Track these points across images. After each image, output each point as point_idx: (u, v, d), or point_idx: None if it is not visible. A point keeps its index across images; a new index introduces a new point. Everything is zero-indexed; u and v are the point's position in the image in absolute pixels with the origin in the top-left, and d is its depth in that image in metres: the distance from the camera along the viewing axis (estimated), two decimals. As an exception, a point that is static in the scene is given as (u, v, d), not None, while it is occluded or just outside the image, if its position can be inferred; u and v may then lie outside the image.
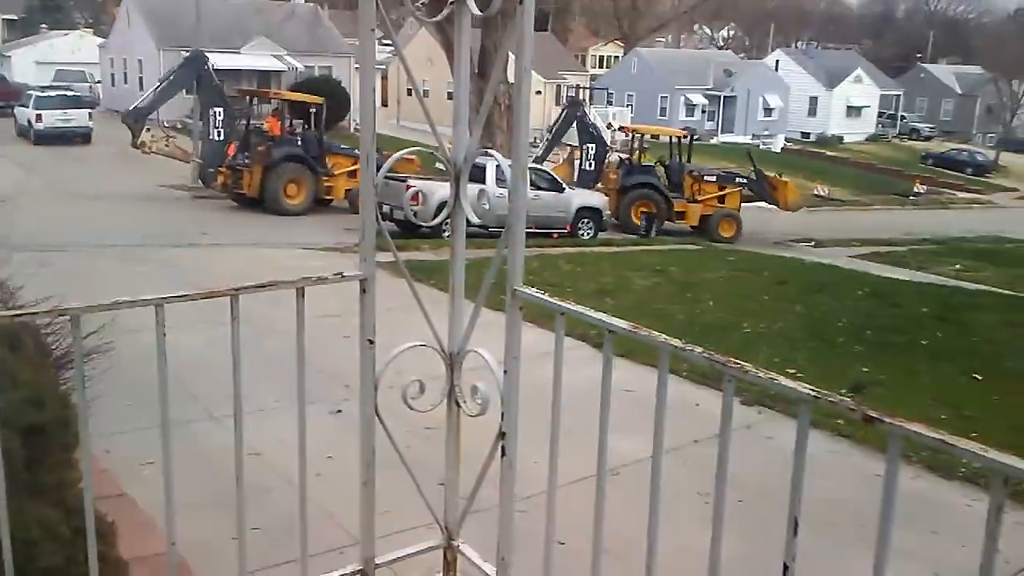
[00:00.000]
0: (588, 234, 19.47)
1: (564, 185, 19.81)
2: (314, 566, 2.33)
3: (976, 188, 46.35)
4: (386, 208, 16.14)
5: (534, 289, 2.22)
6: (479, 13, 2.13)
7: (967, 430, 5.73)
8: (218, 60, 31.61)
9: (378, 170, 2.25)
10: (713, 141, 48.03)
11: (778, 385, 1.70)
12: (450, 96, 2.43)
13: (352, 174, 19.75)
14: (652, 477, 1.94)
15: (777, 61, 60.36)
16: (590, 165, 23.92)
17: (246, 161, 19.94)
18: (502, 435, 2.24)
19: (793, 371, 7.27)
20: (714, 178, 23.33)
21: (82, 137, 31.03)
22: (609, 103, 50.55)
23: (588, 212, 19.70)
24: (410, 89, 43.13)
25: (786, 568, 1.64)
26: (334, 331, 5.95)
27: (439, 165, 19.02)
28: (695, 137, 25.08)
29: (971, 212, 38.06)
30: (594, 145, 24.15)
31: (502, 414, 2.23)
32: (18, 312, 2.38)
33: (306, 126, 21.24)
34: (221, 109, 21.11)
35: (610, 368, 2.04)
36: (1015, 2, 76.04)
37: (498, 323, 2.21)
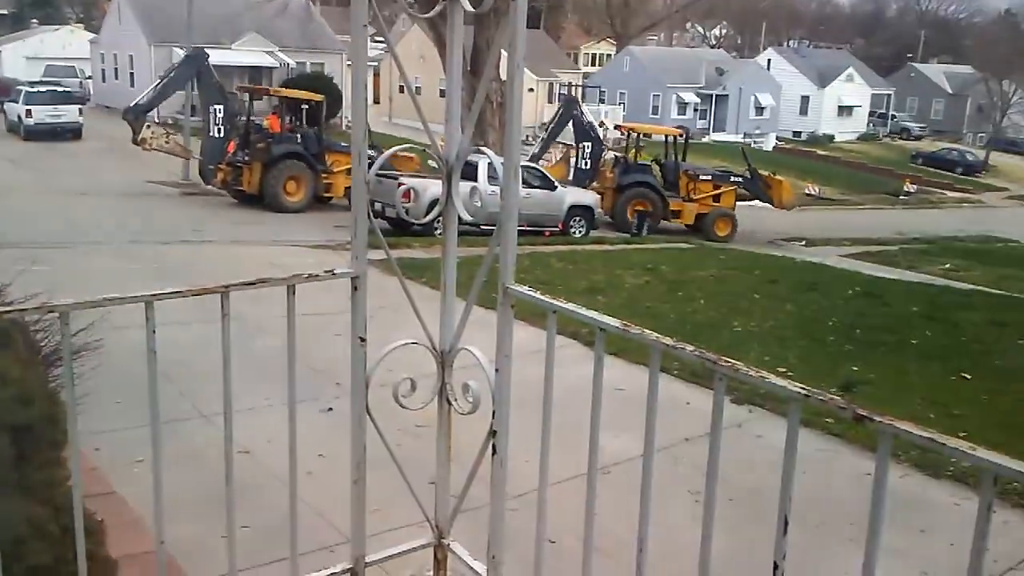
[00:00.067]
0: (580, 232, 19.48)
1: (556, 183, 19.82)
2: (304, 565, 2.33)
3: (966, 187, 46.58)
4: (378, 206, 16.17)
5: (526, 287, 2.22)
6: (472, 10, 2.13)
7: (956, 429, 5.77)
8: (209, 56, 31.51)
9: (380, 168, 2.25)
10: (705, 140, 48.11)
11: (769, 384, 1.70)
12: (442, 93, 2.42)
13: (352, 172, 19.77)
14: (643, 475, 1.94)
15: (769, 60, 60.50)
16: (586, 164, 23.91)
17: (246, 158, 19.98)
18: (493, 433, 2.24)
19: (784, 370, 7.29)
20: (709, 177, 23.37)
21: (72, 133, 30.89)
22: (601, 101, 50.56)
23: (580, 210, 19.72)
24: (402, 86, 43.09)
25: (776, 566, 1.65)
26: (325, 329, 5.94)
27: (431, 163, 18.84)
28: (688, 136, 25.12)
29: (961, 211, 38.25)
30: (590, 144, 24.13)
31: (493, 412, 2.23)
32: (7, 309, 2.37)
33: (297, 122, 21.20)
34: (221, 106, 21.09)
35: (601, 366, 2.04)
36: (1006, 2, 76.45)
37: (489, 321, 2.20)
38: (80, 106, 32.33)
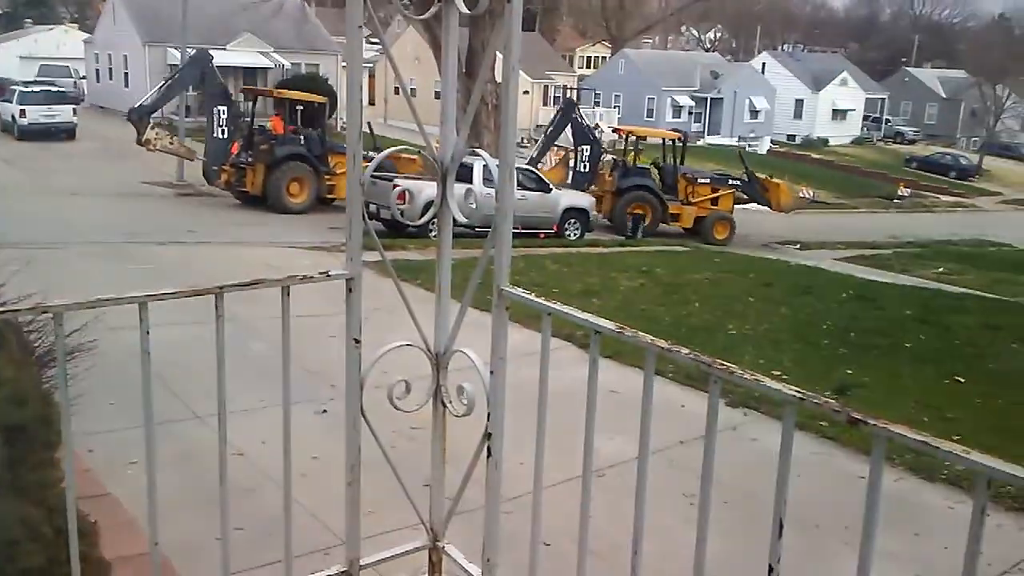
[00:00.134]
0: (575, 235, 19.49)
1: (551, 185, 19.83)
2: (299, 567, 2.32)
3: (960, 192, 46.74)
4: (373, 207, 16.15)
5: (521, 289, 2.22)
6: (467, 12, 2.13)
7: (950, 432, 5.78)
8: (213, 57, 31.50)
9: (379, 170, 2.25)
10: (699, 143, 48.20)
11: (763, 387, 1.71)
12: (437, 95, 2.43)
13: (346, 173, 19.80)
14: (638, 478, 1.94)
15: (763, 63, 60.66)
16: (585, 167, 23.91)
17: (249, 159, 20.06)
18: (488, 435, 2.24)
19: (778, 373, 7.30)
20: (707, 180, 23.39)
21: (66, 133, 30.81)
22: (596, 104, 50.65)
23: (575, 213, 19.73)
24: (397, 88, 43.07)
25: (771, 569, 1.65)
26: (320, 330, 5.93)
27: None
28: (686, 140, 25.16)
29: (954, 215, 38.38)
30: (589, 147, 24.13)
31: (488, 414, 2.23)
32: (0, 309, 2.36)
33: (293, 124, 21.22)
34: (225, 108, 21.14)
35: (596, 369, 2.04)
36: (1000, 6, 76.80)
37: (484, 323, 2.20)
38: (74, 106, 32.25)
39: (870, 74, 65.57)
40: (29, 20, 55.09)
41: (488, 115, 19.24)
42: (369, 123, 22.68)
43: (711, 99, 54.77)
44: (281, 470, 2.28)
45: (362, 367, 2.29)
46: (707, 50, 76.90)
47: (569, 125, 24.72)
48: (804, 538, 4.46)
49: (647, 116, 51.60)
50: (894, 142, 61.89)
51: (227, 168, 20.42)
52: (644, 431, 1.93)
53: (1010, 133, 57.70)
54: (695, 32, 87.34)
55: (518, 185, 18.52)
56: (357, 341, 2.28)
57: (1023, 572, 4.50)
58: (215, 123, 20.98)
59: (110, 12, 41.80)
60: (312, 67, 40.22)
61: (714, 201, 23.07)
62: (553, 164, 25.17)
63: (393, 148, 2.61)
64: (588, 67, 69.55)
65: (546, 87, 50.20)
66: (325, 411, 5.81)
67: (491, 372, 2.21)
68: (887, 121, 63.93)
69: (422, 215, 2.55)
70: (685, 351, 1.86)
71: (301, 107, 21.20)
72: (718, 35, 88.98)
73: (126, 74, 40.13)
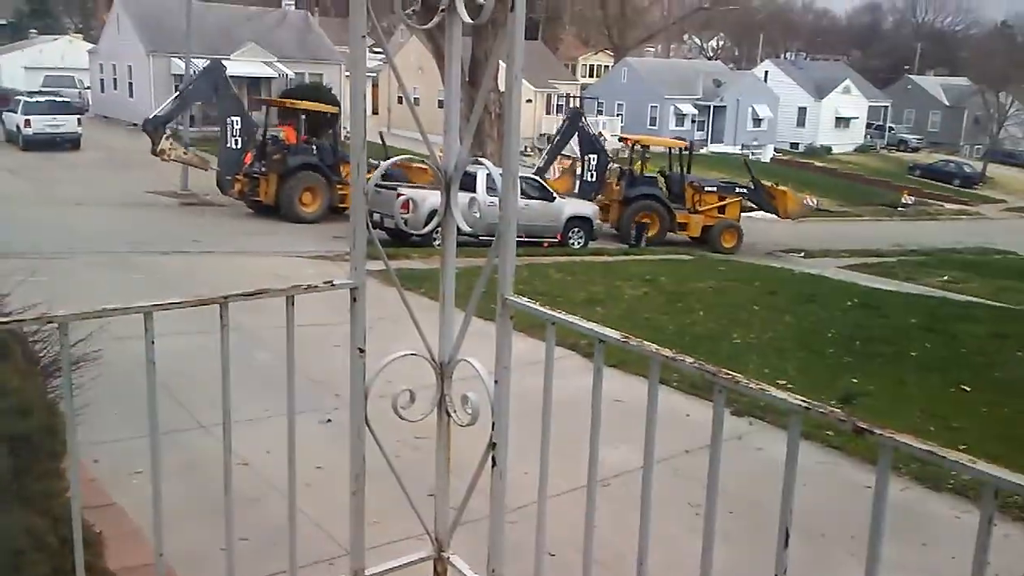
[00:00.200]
0: (578, 243, 19.50)
1: (554, 194, 19.86)
2: (303, 577, 2.32)
3: (964, 199, 46.70)
4: (377, 216, 16.19)
5: (525, 298, 2.22)
6: (470, 21, 2.14)
7: (956, 442, 5.77)
8: (227, 68, 31.62)
9: (391, 180, 2.25)
10: (703, 151, 48.25)
11: (769, 396, 1.70)
12: (440, 104, 2.43)
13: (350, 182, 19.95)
14: (643, 488, 1.94)
15: (766, 72, 60.74)
16: (592, 176, 23.92)
17: (263, 169, 20.25)
18: (492, 445, 2.24)
19: (783, 382, 7.29)
20: (714, 188, 23.39)
21: (71, 143, 30.92)
22: (599, 112, 50.71)
23: (579, 221, 19.74)
24: (400, 97, 43.19)
25: (777, 579, 1.64)
26: (324, 340, 5.92)
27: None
28: (692, 148, 25.19)
29: (959, 223, 38.33)
30: (596, 156, 24.14)
31: (492, 424, 2.23)
32: (5, 319, 2.36)
33: (304, 134, 21.39)
34: (238, 118, 21.29)
35: (601, 378, 2.04)
36: (1002, 14, 76.83)
37: (488, 332, 2.20)
38: (79, 116, 32.37)
39: (873, 82, 65.62)
40: (34, 30, 55.34)
41: (491, 124, 19.28)
42: (381, 133, 22.82)
43: (714, 107, 54.84)
44: (286, 480, 2.28)
45: (366, 376, 2.29)
46: (709, 58, 77.05)
47: (576, 134, 24.75)
48: (810, 547, 4.44)
49: (650, 124, 51.66)
50: (897, 150, 61.92)
51: (240, 178, 20.63)
52: (649, 440, 1.92)
53: (1013, 140, 57.64)
54: (697, 40, 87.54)
55: (521, 194, 18.53)
56: (361, 350, 2.28)
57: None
58: (229, 133, 21.19)
59: (114, 22, 42.01)
60: (316, 77, 40.36)
61: (721, 209, 23.07)
62: (560, 173, 25.20)
63: (398, 157, 2.62)
64: (591, 76, 69.70)
65: (549, 96, 50.32)
66: (330, 421, 5.81)
67: (495, 381, 2.21)
68: (890, 129, 63.96)
69: (426, 224, 2.55)
70: (690, 360, 1.85)
71: (304, 116, 21.30)
72: (720, 43, 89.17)
73: (130, 84, 40.31)
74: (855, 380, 8.07)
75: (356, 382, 2.28)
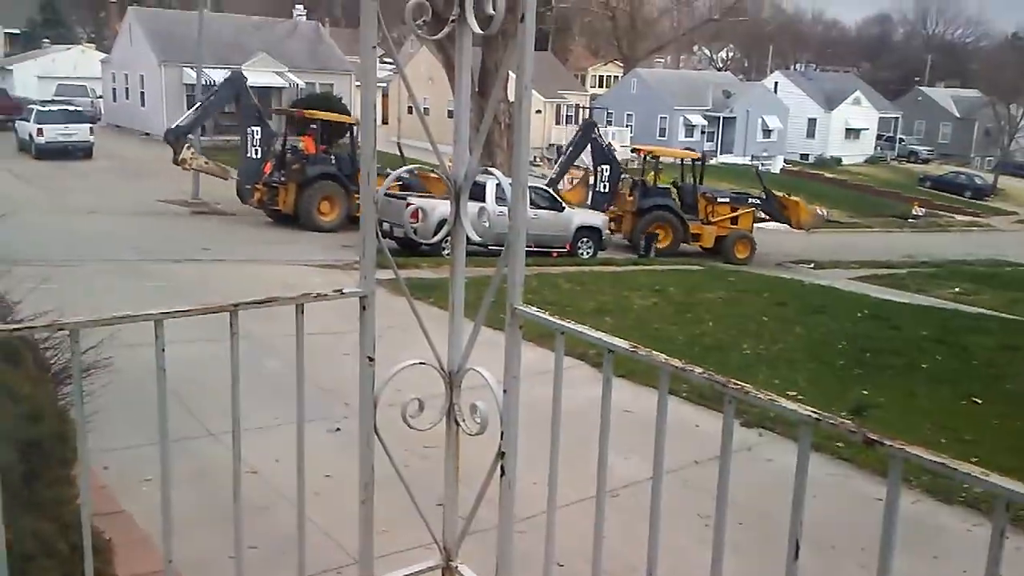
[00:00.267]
0: (588, 253, 19.50)
1: (563, 204, 19.88)
2: (311, 585, 2.31)
3: (974, 211, 46.51)
4: (386, 226, 16.22)
5: (534, 308, 2.22)
6: (480, 32, 2.14)
7: (967, 454, 5.73)
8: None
9: (407, 189, 2.26)
10: (712, 161, 48.25)
11: (778, 407, 1.69)
12: (450, 114, 2.44)
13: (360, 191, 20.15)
14: (652, 498, 1.93)
15: (776, 83, 60.71)
16: (605, 187, 23.93)
17: (282, 179, 20.49)
18: (501, 455, 2.23)
19: (793, 393, 7.26)
20: (727, 199, 23.37)
21: (83, 152, 31.13)
22: (609, 123, 50.76)
23: (588, 231, 19.75)
24: (410, 107, 43.34)
25: (787, 591, 1.63)
26: (333, 348, 5.93)
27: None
28: (705, 159, 25.16)
29: (970, 235, 38.17)
30: (608, 167, 24.15)
31: (501, 433, 2.22)
32: (17, 326, 2.38)
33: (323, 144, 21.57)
34: (258, 128, 21.51)
35: (610, 388, 2.04)
36: (1013, 26, 76.67)
37: (497, 342, 2.20)
38: (91, 125, 32.58)
39: (883, 93, 65.52)
40: (47, 40, 55.80)
41: (501, 134, 19.34)
42: (399, 143, 22.96)
43: (724, 118, 54.82)
44: (295, 488, 2.28)
45: (375, 385, 2.29)
46: (719, 69, 77.08)
47: (588, 146, 24.78)
48: (820, 559, 4.42)
49: (659, 135, 51.67)
50: (908, 161, 61.72)
51: (260, 187, 20.86)
52: (658, 451, 1.92)
53: (1024, 152, 57.49)
54: (707, 52, 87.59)
55: (530, 204, 18.56)
56: (371, 359, 2.28)
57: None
58: (249, 143, 21.44)
59: (127, 32, 42.33)
60: (326, 87, 40.56)
61: (734, 220, 23.03)
62: (573, 185, 25.22)
63: (412, 166, 2.62)
64: (600, 86, 69.81)
65: (558, 106, 50.41)
66: (339, 429, 5.82)
67: (504, 391, 2.21)
68: (901, 140, 63.79)
69: (435, 233, 2.56)
70: (699, 370, 1.85)
71: (315, 126, 21.47)
72: (730, 55, 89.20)
73: (142, 93, 40.58)
74: (865, 392, 8.03)
75: (365, 391, 2.28)
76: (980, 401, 8.10)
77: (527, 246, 2.23)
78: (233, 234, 19.29)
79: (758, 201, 23.77)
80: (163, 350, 2.03)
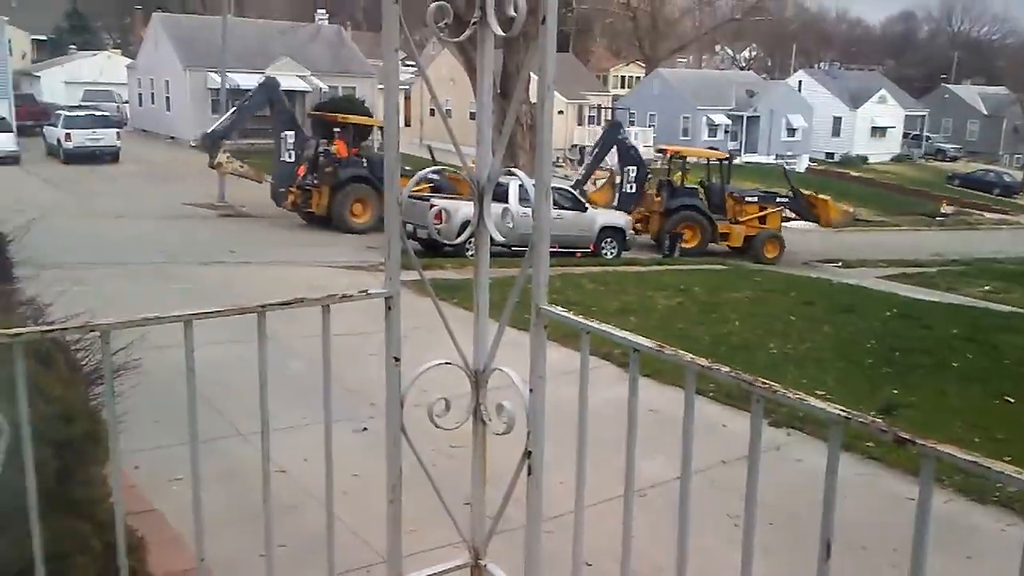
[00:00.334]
0: (611, 253, 19.45)
1: (586, 204, 19.84)
2: (340, 584, 2.33)
3: (1004, 209, 45.86)
4: (410, 227, 16.28)
5: (559, 308, 2.22)
6: (502, 34, 2.14)
7: (1000, 453, 5.64)
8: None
9: (438, 191, 2.26)
10: (736, 161, 47.97)
11: (807, 406, 1.68)
12: (472, 116, 2.44)
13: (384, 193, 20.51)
14: (681, 498, 1.92)
15: (800, 81, 60.27)
16: (631, 188, 23.87)
17: (315, 182, 20.81)
18: (528, 454, 2.23)
19: (822, 392, 7.19)
20: (755, 199, 23.20)
21: (110, 156, 31.54)
22: (631, 123, 50.62)
23: (611, 231, 19.70)
24: (432, 109, 43.45)
25: (818, 591, 1.62)
26: (359, 349, 5.95)
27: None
28: (730, 159, 24.99)
29: (999, 233, 37.63)
30: (635, 168, 24.08)
31: (528, 433, 2.22)
32: (49, 328, 2.41)
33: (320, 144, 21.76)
34: (292, 132, 21.82)
35: (636, 387, 2.03)
36: (1041, 22, 75.46)
37: (520, 342, 2.20)
38: (118, 130, 33.02)
39: (909, 91, 64.82)
40: (73, 46, 56.59)
41: (523, 135, 19.34)
42: (430, 146, 23.16)
43: (747, 117, 54.48)
44: (322, 487, 2.29)
45: (402, 385, 2.30)
46: (742, 69, 76.60)
47: (614, 147, 24.72)
48: (851, 560, 4.37)
49: (682, 135, 51.44)
50: (935, 159, 61.01)
51: (294, 190, 21.17)
52: (686, 450, 1.91)
53: (1054, 149, 56.63)
54: (729, 51, 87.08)
55: (553, 204, 18.49)
56: (397, 359, 2.29)
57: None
58: (283, 147, 21.79)
59: (152, 38, 42.82)
60: (348, 90, 40.74)
61: (762, 219, 22.86)
62: (599, 186, 25.18)
63: (436, 168, 2.63)
64: (622, 87, 69.61)
65: (580, 107, 50.34)
66: (365, 429, 5.85)
67: (530, 390, 2.21)
68: (928, 138, 63.07)
69: (459, 234, 2.56)
70: (726, 369, 1.84)
71: (339, 130, 21.67)
72: (753, 54, 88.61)
73: (168, 98, 41.03)
74: (895, 391, 7.94)
75: (392, 390, 2.29)
76: (1012, 400, 7.98)
77: (550, 246, 2.23)
78: (258, 236, 19.46)
79: (786, 200, 23.59)
80: (192, 351, 2.05)
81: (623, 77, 72.82)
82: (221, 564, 3.37)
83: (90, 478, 2.52)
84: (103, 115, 33.95)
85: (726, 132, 54.10)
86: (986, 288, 19.46)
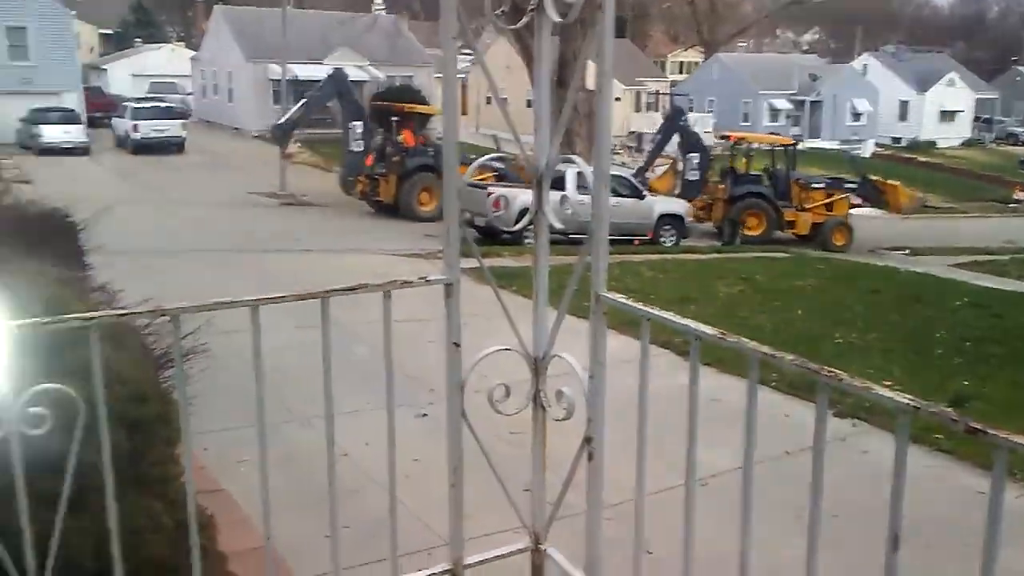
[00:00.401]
0: (670, 241, 19.27)
1: (644, 192, 19.67)
2: (404, 565, 2.36)
3: (1081, 194, 44.06)
4: (467, 215, 16.34)
5: (619, 295, 2.21)
6: (559, 20, 2.13)
7: (1075, 447, 5.44)
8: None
9: (503, 179, 2.27)
10: (800, 146, 47.00)
11: (874, 395, 1.64)
12: (528, 103, 2.43)
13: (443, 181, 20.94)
14: (744, 488, 1.90)
15: (865, 65, 58.73)
16: (695, 175, 23.59)
17: (382, 171, 21.26)
18: (588, 440, 2.23)
19: (889, 383, 7.02)
20: (822, 185, 22.66)
21: (176, 146, 32.37)
22: (690, 109, 49.93)
23: (670, 219, 19.51)
24: (489, 97, 43.48)
25: (886, 584, 1.59)
26: (418, 336, 6.01)
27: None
28: (795, 144, 24.47)
29: (1075, 219, 36.21)
30: (698, 155, 23.76)
31: (588, 419, 2.22)
32: (122, 312, 2.49)
33: (387, 134, 21.97)
34: (360, 123, 22.22)
35: (697, 375, 2.01)
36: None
37: (579, 329, 2.19)
38: (183, 121, 33.83)
39: (979, 74, 62.65)
40: (139, 39, 58.05)
41: (580, 123, 19.22)
42: (495, 136, 23.32)
43: (810, 102, 53.27)
44: (384, 471, 2.33)
45: (462, 370, 2.32)
46: (804, 52, 74.89)
47: (677, 133, 24.44)
48: (919, 554, 4.26)
49: (743, 121, 50.57)
50: (1007, 144, 58.90)
51: (362, 179, 21.70)
52: (749, 440, 1.89)
53: None
54: (791, 34, 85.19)
55: (612, 192, 18.38)
56: (457, 344, 2.31)
57: None
58: (351, 137, 22.28)
59: (214, 31, 43.66)
60: (406, 79, 41.01)
61: (828, 207, 22.31)
62: (660, 174, 24.94)
63: (493, 155, 2.64)
64: (681, 72, 68.72)
65: (638, 93, 49.88)
66: (425, 415, 5.91)
67: (590, 377, 2.21)
68: (1000, 122, 60.90)
69: (517, 222, 2.56)
70: (790, 357, 1.81)
71: (397, 119, 21.92)
72: (815, 37, 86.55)
73: (230, 90, 41.83)
74: (966, 382, 7.72)
75: (453, 376, 2.31)
76: (1089, 393, 7.70)
77: (609, 234, 2.22)
78: (320, 224, 19.79)
79: (854, 186, 23.00)
80: (259, 334, 2.10)
81: (681, 63, 71.85)
82: (285, 545, 3.45)
83: (162, 458, 2.60)
84: (169, 106, 34.85)
85: (788, 117, 52.99)
86: (1061, 277, 18.75)
